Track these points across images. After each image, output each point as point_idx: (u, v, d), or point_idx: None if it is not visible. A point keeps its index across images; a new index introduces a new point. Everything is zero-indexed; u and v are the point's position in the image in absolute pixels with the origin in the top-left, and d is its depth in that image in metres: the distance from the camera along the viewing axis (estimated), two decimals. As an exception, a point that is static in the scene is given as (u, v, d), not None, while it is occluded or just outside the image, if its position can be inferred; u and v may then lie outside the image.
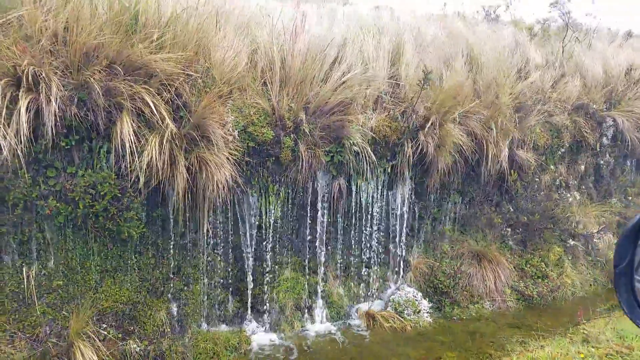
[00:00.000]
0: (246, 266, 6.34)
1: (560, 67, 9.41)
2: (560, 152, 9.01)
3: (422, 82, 6.61)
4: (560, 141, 8.91)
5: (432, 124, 6.94)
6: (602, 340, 5.73)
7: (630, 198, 10.15)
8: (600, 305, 7.65)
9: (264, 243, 6.43)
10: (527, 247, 8.37)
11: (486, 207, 8.32)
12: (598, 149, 9.53)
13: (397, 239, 7.53)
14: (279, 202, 6.42)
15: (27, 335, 4.94)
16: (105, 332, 5.24)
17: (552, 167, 8.95)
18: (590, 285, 8.56)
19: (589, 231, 8.74)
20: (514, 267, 8.10)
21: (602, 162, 9.68)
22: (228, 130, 5.58)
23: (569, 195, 9.05)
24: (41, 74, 4.72)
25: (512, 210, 8.46)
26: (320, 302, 6.90)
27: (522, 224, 8.36)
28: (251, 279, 6.39)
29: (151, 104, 5.07)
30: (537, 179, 8.65)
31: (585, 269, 8.68)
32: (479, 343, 6.50)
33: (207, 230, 5.93)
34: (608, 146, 9.67)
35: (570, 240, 8.52)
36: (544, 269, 8.17)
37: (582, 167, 9.47)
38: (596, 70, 9.71)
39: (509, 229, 8.38)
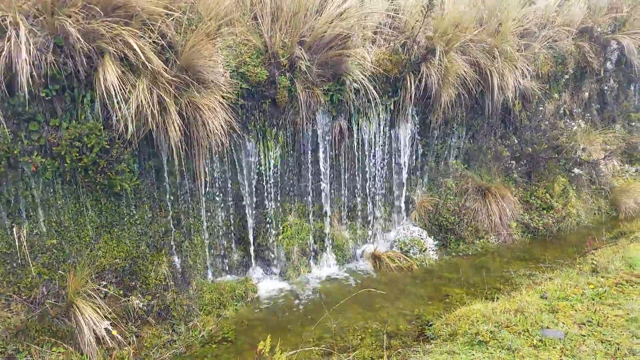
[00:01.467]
0: (247, 214, 6.01)
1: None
2: (564, 80, 8.55)
3: (426, 8, 6.03)
4: (564, 68, 8.43)
5: (434, 54, 6.43)
6: (611, 269, 5.61)
7: (633, 123, 9.80)
8: (606, 233, 7.53)
9: (265, 189, 6.08)
10: (532, 179, 8.09)
11: (491, 140, 7.94)
12: (602, 75, 9.07)
13: (401, 178, 7.21)
14: (277, 146, 6.00)
15: (24, 297, 4.64)
16: (106, 290, 4.96)
17: (556, 95, 8.51)
18: (595, 214, 8.40)
19: (594, 158, 8.41)
20: (519, 200, 7.88)
21: (606, 87, 9.24)
22: (219, 71, 5.07)
23: (573, 123, 8.66)
24: (8, 19, 4.18)
25: (516, 142, 8.09)
26: (325, 246, 6.65)
27: (527, 155, 8.02)
28: (253, 226, 6.08)
29: (135, 46, 4.55)
30: (541, 109, 8.23)
31: (590, 198, 8.46)
32: (486, 278, 6.35)
33: (204, 179, 5.55)
34: (612, 71, 9.19)
35: (575, 169, 8.22)
36: (549, 200, 7.93)
37: (586, 94, 9.03)
38: (601, -10, 9.08)
39: (514, 162, 8.05)
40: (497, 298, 5.38)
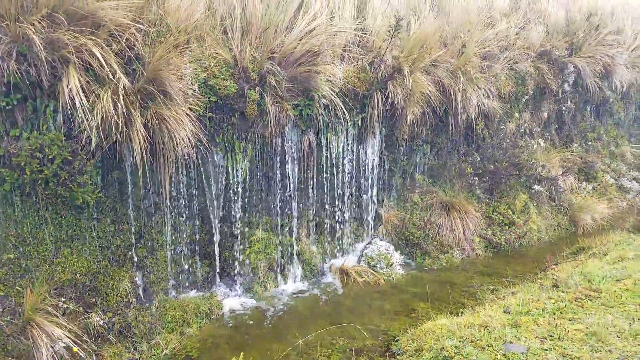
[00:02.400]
0: (214, 228, 5.92)
1: (524, 14, 9.10)
2: (524, 100, 8.83)
3: (393, 29, 6.16)
4: (525, 88, 8.71)
5: (400, 73, 6.55)
6: (571, 284, 5.69)
7: (590, 143, 10.17)
8: (565, 249, 7.70)
9: (232, 203, 6.01)
10: (494, 195, 8.27)
11: (455, 157, 8.11)
12: (560, 96, 9.41)
13: (368, 193, 7.28)
14: (246, 159, 5.96)
15: (-23, 314, 4.43)
16: (65, 306, 4.77)
17: (516, 114, 8.78)
18: (555, 229, 8.61)
19: (553, 175, 8.68)
20: (482, 216, 8.02)
21: (564, 108, 9.57)
22: (187, 84, 5.02)
23: (533, 142, 8.93)
24: (-32, 24, 4.06)
25: (479, 159, 8.28)
26: (293, 261, 6.61)
27: (489, 172, 8.22)
28: (219, 241, 5.99)
29: (100, 57, 4.47)
30: (502, 127, 8.47)
31: (550, 214, 8.68)
32: (451, 293, 6.41)
33: (170, 192, 5.44)
34: (569, 92, 9.55)
35: (536, 185, 8.45)
36: (510, 216, 8.11)
37: (545, 114, 9.34)
38: (559, 16, 9.46)
39: (476, 178, 8.23)
40: (462, 313, 5.43)
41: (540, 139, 9.03)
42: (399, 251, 7.28)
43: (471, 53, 7.58)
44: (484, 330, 4.61)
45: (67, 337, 4.57)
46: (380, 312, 5.94)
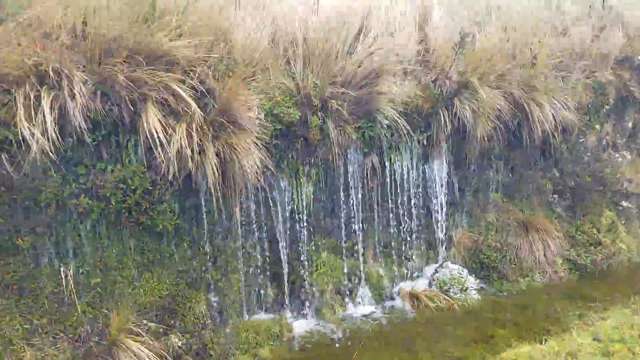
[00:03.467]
0: (281, 252, 6.49)
1: (600, 20, 9.24)
2: (604, 110, 8.89)
3: (458, 45, 6.61)
4: (605, 98, 8.78)
5: (467, 88, 6.95)
6: None
7: (685, 153, 9.96)
8: (661, 269, 7.60)
9: (298, 227, 6.57)
10: (577, 213, 8.32)
11: (531, 173, 8.27)
12: (646, 104, 9.38)
13: (437, 214, 7.56)
14: (310, 183, 6.54)
15: (69, 335, 5.16)
16: (147, 328, 5.48)
17: (597, 126, 8.85)
18: (648, 249, 8.49)
19: (643, 190, 8.67)
20: (564, 235, 8.05)
21: (651, 116, 9.53)
22: (255, 113, 5.72)
23: (617, 155, 8.94)
24: (62, 70, 4.92)
25: (558, 174, 8.41)
26: (360, 284, 7.01)
27: (570, 188, 8.31)
28: (287, 264, 6.52)
29: (179, 92, 5.21)
30: (582, 140, 8.57)
31: (641, 232, 8.61)
32: (532, 318, 6.50)
33: (240, 217, 6.11)
34: (658, 99, 9.48)
35: (623, 202, 8.44)
36: (596, 236, 8.11)
37: (630, 124, 9.32)
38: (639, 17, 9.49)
39: (556, 195, 8.34)
40: (546, 340, 5.54)
41: (625, 151, 9.04)
42: (473, 275, 7.46)
43: (543, 63, 7.82)
44: (573, 359, 4.75)
45: (150, 357, 5.27)
46: (455, 338, 6.09)
